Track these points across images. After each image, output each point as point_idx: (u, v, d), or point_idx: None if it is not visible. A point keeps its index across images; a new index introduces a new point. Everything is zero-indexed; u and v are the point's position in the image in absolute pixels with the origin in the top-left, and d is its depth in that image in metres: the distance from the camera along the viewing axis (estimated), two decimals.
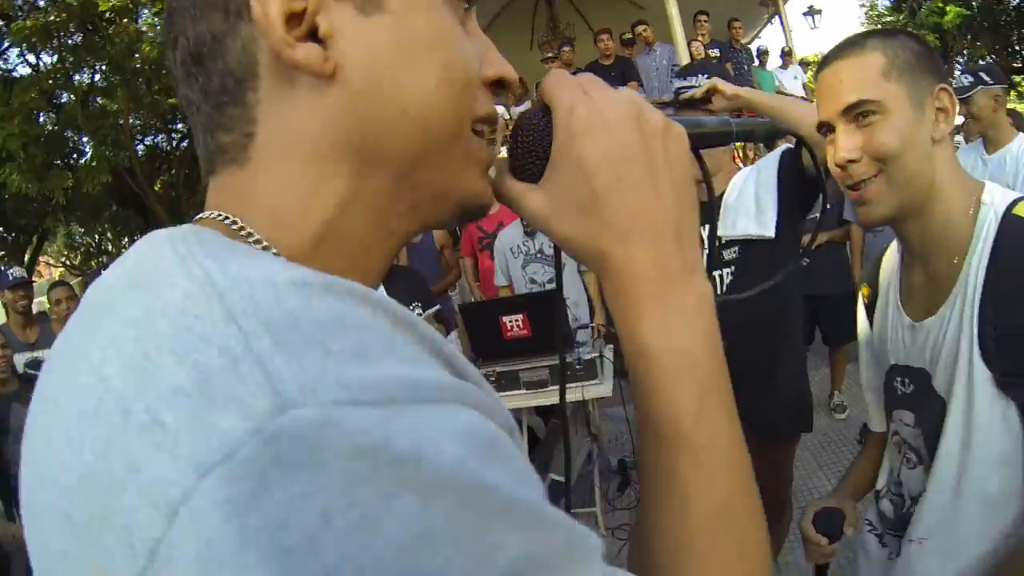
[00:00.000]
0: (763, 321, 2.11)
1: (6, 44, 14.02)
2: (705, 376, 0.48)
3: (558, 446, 4.01)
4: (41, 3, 12.47)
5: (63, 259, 28.49)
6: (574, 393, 3.34)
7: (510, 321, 3.41)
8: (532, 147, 0.51)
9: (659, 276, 0.47)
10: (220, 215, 0.44)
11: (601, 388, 3.38)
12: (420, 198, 0.48)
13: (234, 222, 0.43)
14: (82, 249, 27.45)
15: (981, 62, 14.10)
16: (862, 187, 1.08)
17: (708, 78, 2.13)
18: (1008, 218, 1.04)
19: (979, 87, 3.35)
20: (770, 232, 2.08)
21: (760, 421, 2.00)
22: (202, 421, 0.29)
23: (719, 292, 2.18)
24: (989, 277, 1.03)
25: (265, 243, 0.42)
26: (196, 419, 0.29)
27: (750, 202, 2.14)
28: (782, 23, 9.86)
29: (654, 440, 0.48)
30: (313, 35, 0.42)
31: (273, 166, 0.44)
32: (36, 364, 4.22)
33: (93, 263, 26.97)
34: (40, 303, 6.33)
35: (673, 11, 7.23)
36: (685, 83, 2.22)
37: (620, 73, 7.33)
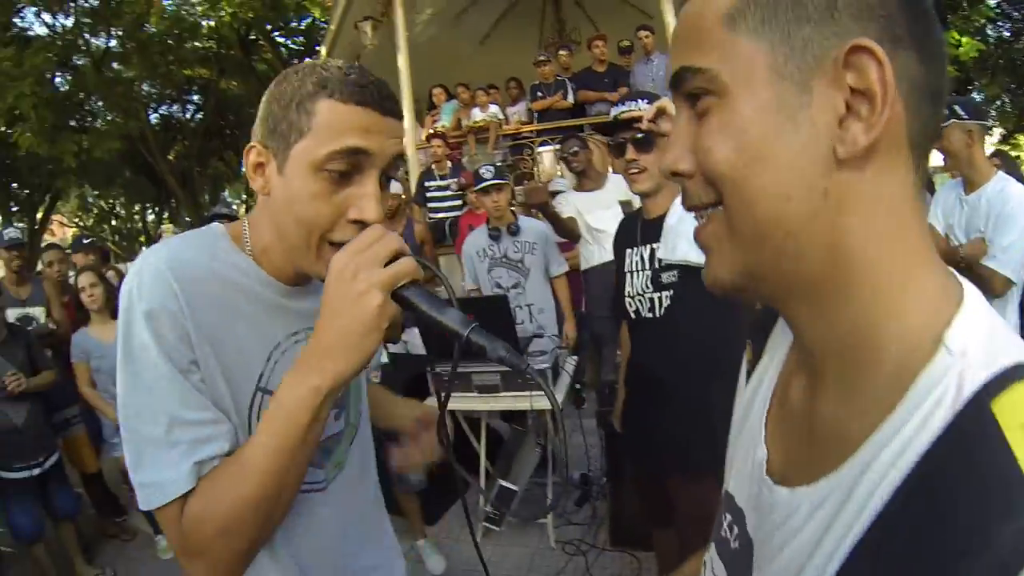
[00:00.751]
0: (700, 352, 2.08)
1: (22, 3, 14.02)
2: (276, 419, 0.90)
3: (518, 453, 4.10)
4: None
5: (76, 219, 28.81)
6: (523, 402, 3.45)
7: None
8: None
9: (299, 368, 0.90)
10: (245, 224, 1.07)
11: (547, 400, 3.43)
12: (295, 260, 1.00)
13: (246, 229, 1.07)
14: (95, 212, 27.81)
15: (997, 100, 14.07)
16: (700, 220, 0.63)
17: (649, 103, 2.14)
18: (976, 413, 0.46)
19: (951, 120, 3.03)
20: None
21: (682, 453, 2.09)
22: None
23: (657, 314, 2.21)
24: (892, 509, 0.49)
25: (249, 246, 1.04)
26: None
27: (691, 226, 2.12)
28: None
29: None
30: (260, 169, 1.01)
31: (264, 215, 1.03)
32: (27, 320, 4.43)
33: (105, 226, 27.37)
34: None
35: (672, 20, 7.17)
36: (624, 108, 2.27)
37: (612, 81, 7.38)
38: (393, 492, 3.57)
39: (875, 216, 0.53)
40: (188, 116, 20.40)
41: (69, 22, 15.11)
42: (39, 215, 20.54)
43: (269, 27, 14.92)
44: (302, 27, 16.42)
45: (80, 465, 4.47)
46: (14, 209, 20.12)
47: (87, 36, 15.30)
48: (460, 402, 3.57)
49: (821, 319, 0.57)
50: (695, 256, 1.90)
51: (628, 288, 2.34)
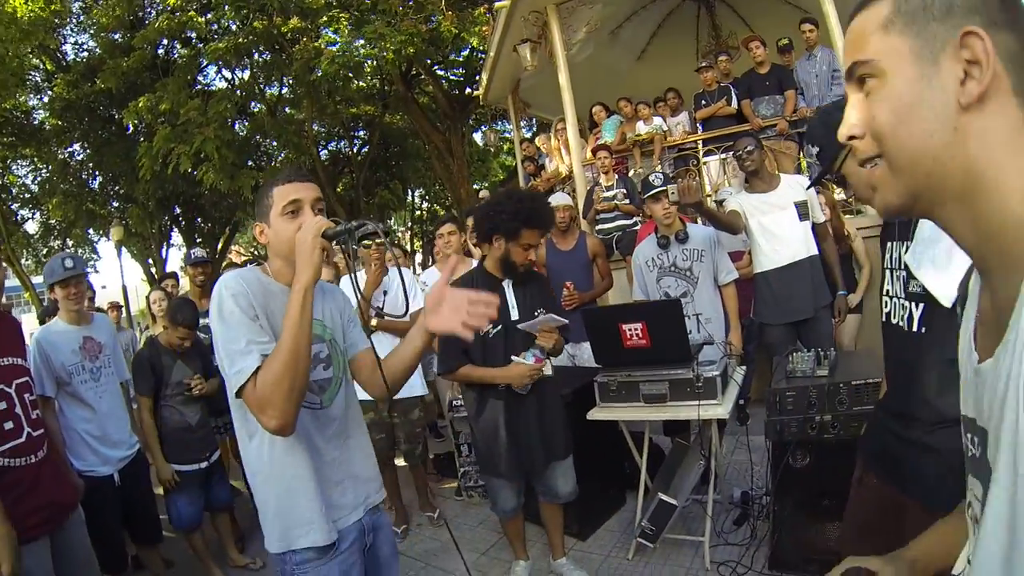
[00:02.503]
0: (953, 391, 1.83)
1: (204, 62, 15.44)
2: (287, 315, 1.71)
3: (680, 467, 3.88)
4: (233, 27, 13.69)
5: (252, 249, 31.48)
6: (690, 411, 3.23)
7: (630, 330, 3.35)
8: None
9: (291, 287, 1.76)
10: (265, 264, 2.00)
11: (718, 409, 3.24)
12: (291, 265, 1.78)
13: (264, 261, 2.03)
14: None
15: None
16: (869, 167, 0.84)
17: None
18: None
19: None
20: (947, 301, 1.73)
21: (926, 487, 1.91)
22: None
23: (909, 327, 1.91)
24: None
25: (270, 273, 1.94)
26: None
27: (942, 250, 1.75)
28: None
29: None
30: (263, 233, 1.99)
31: (271, 255, 1.95)
32: (206, 328, 4.76)
33: None
34: None
35: (830, 9, 6.70)
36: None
37: (777, 81, 7.00)
38: (535, 502, 3.48)
39: (992, 141, 0.75)
40: (355, 150, 21.61)
41: (246, 75, 16.60)
42: (219, 245, 22.54)
43: (429, 61, 15.49)
44: (460, 59, 16.92)
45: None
46: (198, 240, 22.27)
47: (262, 85, 16.69)
48: (627, 412, 3.44)
49: (969, 220, 0.79)
50: (934, 284, 1.78)
51: (886, 286, 2.08)
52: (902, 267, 1.95)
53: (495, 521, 4.42)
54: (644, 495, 3.73)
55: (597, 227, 6.87)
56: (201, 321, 4.71)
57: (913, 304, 1.90)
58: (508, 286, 3.17)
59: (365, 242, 4.22)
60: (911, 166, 0.78)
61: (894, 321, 2.03)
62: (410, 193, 26.96)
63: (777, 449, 3.10)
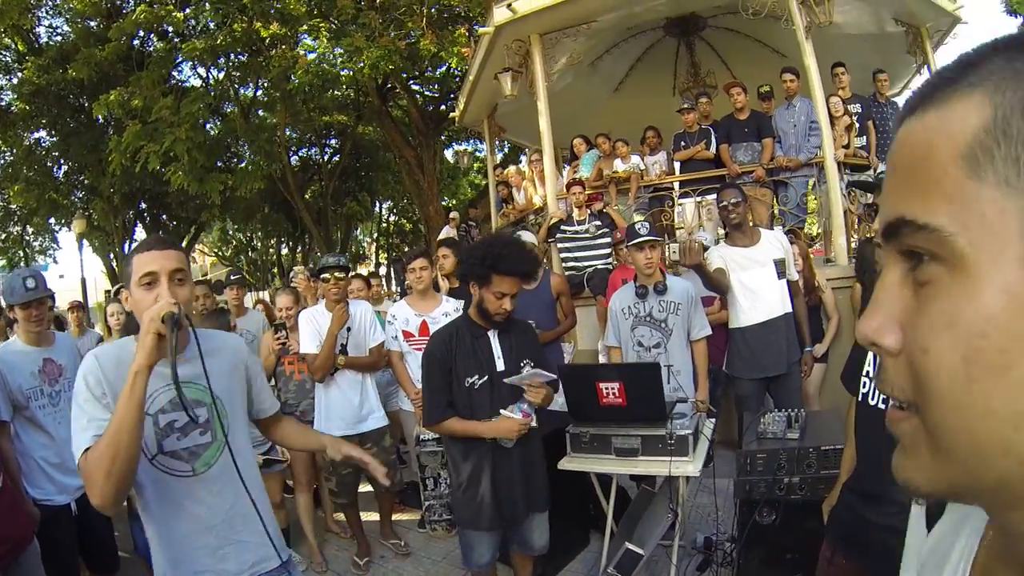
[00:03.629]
0: None
1: (180, 58, 15.28)
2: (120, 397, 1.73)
3: (645, 514, 3.92)
4: (212, 25, 13.56)
5: (216, 250, 31.07)
6: (661, 467, 3.27)
7: (606, 388, 3.36)
8: None
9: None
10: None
11: (689, 467, 3.28)
12: None
13: None
14: (233, 243, 29.95)
15: None
16: (894, 405, 0.50)
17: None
18: None
19: None
20: None
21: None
22: None
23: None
24: None
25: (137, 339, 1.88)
26: None
27: None
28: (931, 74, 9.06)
29: None
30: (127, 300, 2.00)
31: None
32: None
33: (242, 257, 29.37)
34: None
35: (810, 62, 6.82)
36: None
37: (756, 128, 7.09)
38: (506, 550, 3.47)
39: None
40: (325, 158, 21.52)
41: (221, 75, 16.39)
42: (184, 244, 22.21)
43: (405, 75, 15.49)
44: (437, 75, 16.94)
45: None
46: None
47: (237, 86, 16.53)
48: (598, 464, 3.46)
49: None
50: None
51: (867, 367, 2.13)
52: None
53: (457, 556, 4.39)
54: (609, 540, 3.74)
55: (566, 264, 6.89)
56: None
57: None
58: (494, 336, 3.11)
59: (324, 276, 4.24)
60: (971, 461, 0.43)
61: (872, 403, 2.08)
62: (378, 205, 26.92)
63: (744, 506, 3.17)
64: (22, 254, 22.86)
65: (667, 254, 4.61)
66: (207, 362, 1.86)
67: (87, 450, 1.71)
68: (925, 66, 9.00)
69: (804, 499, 2.99)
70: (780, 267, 4.35)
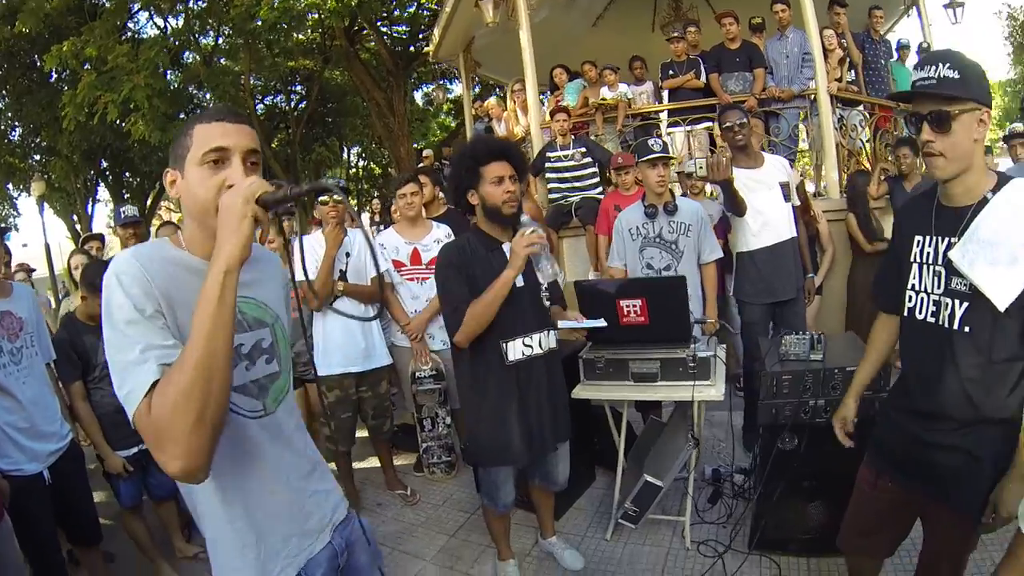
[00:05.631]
0: (990, 387, 1.85)
1: (136, 7, 14.67)
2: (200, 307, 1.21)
3: (655, 446, 3.79)
4: None
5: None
6: (684, 392, 3.11)
7: (628, 306, 3.17)
8: None
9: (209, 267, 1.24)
10: (179, 232, 1.51)
11: (712, 391, 3.13)
12: (207, 226, 1.37)
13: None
14: None
15: None
16: None
17: (952, 68, 1.77)
18: None
19: None
20: (1002, 304, 1.72)
21: (951, 486, 1.94)
22: None
23: (945, 323, 1.86)
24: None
25: (183, 243, 1.45)
26: None
27: (1003, 252, 1.73)
28: (920, 16, 8.93)
29: None
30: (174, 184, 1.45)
31: (185, 216, 1.47)
32: None
33: None
34: None
35: None
36: (925, 74, 1.80)
37: (747, 59, 6.90)
38: (525, 487, 3.31)
39: None
40: (292, 105, 20.97)
41: (179, 22, 15.78)
42: (148, 202, 21.63)
43: (373, 14, 14.96)
44: (405, 16, 16.44)
45: None
46: (126, 196, 21.39)
47: (196, 35, 15.88)
48: (614, 391, 3.29)
49: None
50: (991, 285, 1.73)
51: (912, 280, 1.98)
52: (940, 263, 1.88)
53: (460, 499, 4.30)
54: (621, 474, 3.62)
55: (552, 196, 6.69)
56: None
57: (956, 301, 1.83)
58: (507, 248, 2.79)
59: (322, 199, 3.94)
60: None
61: (921, 317, 1.95)
62: (346, 151, 26.43)
63: (767, 431, 3.04)
64: None
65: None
66: (255, 274, 1.53)
67: (150, 392, 1.17)
68: (914, 7, 8.87)
69: (827, 423, 2.87)
70: (786, 190, 4.21)
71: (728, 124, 4.13)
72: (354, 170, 28.31)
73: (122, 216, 4.76)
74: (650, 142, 3.96)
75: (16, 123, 17.90)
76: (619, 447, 3.58)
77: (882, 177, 5.94)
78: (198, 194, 1.37)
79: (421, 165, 11.41)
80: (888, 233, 5.56)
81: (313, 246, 3.98)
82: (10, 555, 2.43)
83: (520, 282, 2.76)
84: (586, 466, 4.18)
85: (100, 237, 6.26)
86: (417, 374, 4.35)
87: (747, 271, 4.25)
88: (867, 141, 7.24)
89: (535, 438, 2.88)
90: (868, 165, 6.95)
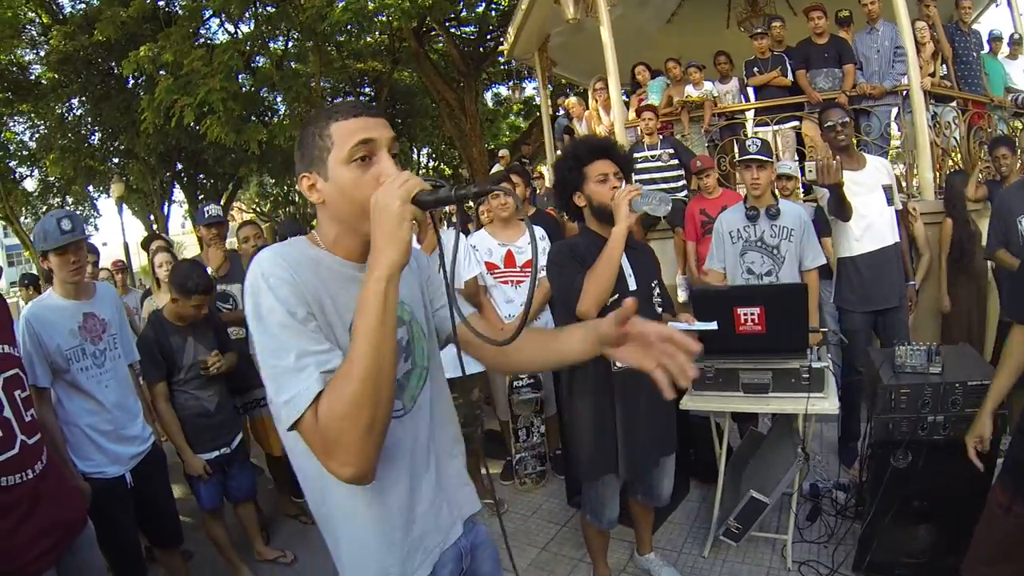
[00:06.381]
0: None
1: (208, 13, 15.03)
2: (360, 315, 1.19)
3: (754, 458, 3.66)
4: None
5: (254, 206, 31.19)
6: (797, 404, 2.97)
7: (745, 314, 3.05)
8: None
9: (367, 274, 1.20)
10: (315, 233, 1.43)
11: (825, 404, 2.99)
12: (360, 235, 1.32)
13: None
14: (271, 198, 30.19)
15: None
16: None
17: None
18: None
19: None
20: None
21: None
22: None
23: None
24: None
25: (321, 244, 1.39)
26: None
27: None
28: (1010, 6, 8.45)
29: None
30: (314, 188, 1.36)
31: (324, 218, 1.39)
32: (225, 297, 4.37)
33: (280, 211, 29.40)
34: (231, 243, 6.61)
35: None
36: None
37: (836, 54, 6.60)
38: (625, 502, 3.17)
39: None
40: None
41: (251, 28, 16.02)
42: (222, 201, 22.22)
43: (442, 14, 15.02)
44: (473, 16, 16.43)
45: (266, 446, 4.40)
46: (200, 197, 22.02)
47: (266, 39, 16.14)
48: (724, 403, 3.16)
49: None
50: None
51: None
52: None
53: (550, 510, 4.22)
54: (722, 488, 3.51)
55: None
56: (221, 287, 4.33)
57: None
58: (623, 255, 2.71)
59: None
60: None
61: None
62: (416, 151, 26.67)
63: (880, 448, 2.89)
64: None
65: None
66: None
67: (316, 400, 1.17)
68: None
69: (946, 439, 2.73)
70: (889, 193, 4.04)
71: (830, 123, 3.95)
72: (424, 171, 28.59)
73: (206, 215, 4.65)
74: (747, 143, 3.82)
75: (95, 128, 18.41)
76: (720, 460, 3.45)
77: (980, 179, 5.62)
78: (354, 196, 1.28)
79: (498, 166, 11.37)
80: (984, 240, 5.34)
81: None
82: (94, 562, 2.41)
83: (633, 285, 2.69)
84: (681, 478, 4.04)
85: (162, 238, 6.34)
86: (515, 383, 4.28)
87: (849, 277, 4.07)
88: (961, 139, 6.88)
89: (639, 451, 2.78)
90: (961, 164, 6.63)
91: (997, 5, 9.01)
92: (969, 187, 5.47)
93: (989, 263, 5.26)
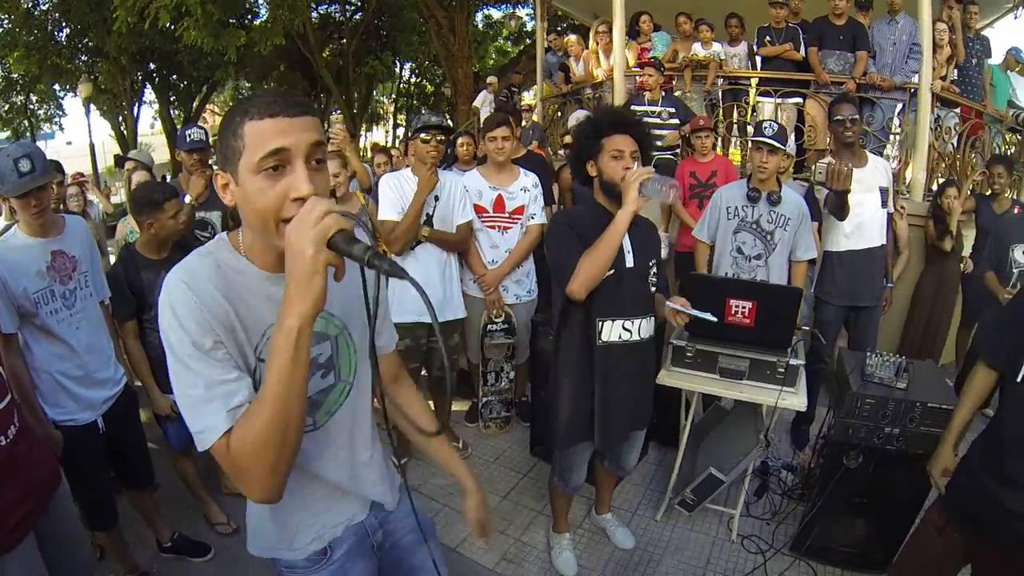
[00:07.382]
0: None
1: None
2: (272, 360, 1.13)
3: (715, 430, 3.78)
4: None
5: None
6: (769, 396, 3.08)
7: (736, 306, 3.11)
8: None
9: (279, 319, 1.13)
10: (240, 232, 1.33)
11: (795, 399, 3.10)
12: (268, 243, 1.23)
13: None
14: None
15: None
16: None
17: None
18: None
19: None
20: None
21: None
22: None
23: None
24: None
25: (243, 248, 1.32)
26: None
27: None
28: None
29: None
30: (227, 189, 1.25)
31: (244, 228, 1.30)
32: (203, 224, 4.18)
33: None
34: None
35: None
36: None
37: (851, 37, 6.47)
38: (592, 465, 3.24)
39: None
40: (347, 15, 20.56)
41: None
42: (195, 104, 21.50)
43: None
44: None
45: None
46: (172, 99, 21.24)
47: None
48: (699, 383, 3.24)
49: None
50: None
51: None
52: None
53: (512, 457, 4.33)
54: (682, 457, 3.63)
55: None
56: (200, 215, 4.15)
57: None
58: None
59: (423, 136, 3.74)
60: None
61: None
62: (399, 66, 25.98)
63: (835, 447, 3.06)
64: (27, 124, 22.19)
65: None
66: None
67: (228, 433, 1.19)
68: (1021, 7, 8.30)
69: (897, 450, 2.92)
70: (884, 195, 4.09)
71: (840, 118, 3.96)
72: (405, 85, 27.90)
73: (187, 139, 4.24)
74: (764, 124, 3.75)
75: (64, 23, 17.45)
76: (683, 432, 3.56)
77: (970, 190, 5.68)
78: (258, 207, 1.19)
79: (480, 98, 11.09)
80: (967, 251, 5.43)
81: (401, 184, 3.80)
82: (68, 515, 2.31)
83: (630, 262, 2.69)
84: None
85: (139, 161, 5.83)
86: (489, 326, 4.27)
87: (833, 271, 4.17)
88: (957, 147, 6.90)
89: (614, 423, 2.84)
90: (956, 175, 6.67)
91: (1016, 17, 8.84)
92: (960, 196, 5.51)
93: (962, 264, 5.41)
